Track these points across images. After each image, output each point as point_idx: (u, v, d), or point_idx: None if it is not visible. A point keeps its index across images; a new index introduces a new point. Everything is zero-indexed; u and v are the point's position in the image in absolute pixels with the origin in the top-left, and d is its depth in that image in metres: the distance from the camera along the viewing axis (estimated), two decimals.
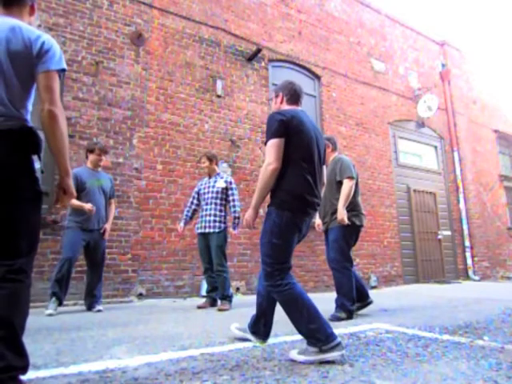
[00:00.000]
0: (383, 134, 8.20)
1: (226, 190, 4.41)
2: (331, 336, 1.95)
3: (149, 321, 3.39)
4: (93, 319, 3.47)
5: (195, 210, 4.60)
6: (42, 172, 1.62)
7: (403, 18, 9.47)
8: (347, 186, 3.48)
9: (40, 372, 1.80)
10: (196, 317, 3.67)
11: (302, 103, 2.44)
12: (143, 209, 5.16)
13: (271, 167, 2.10)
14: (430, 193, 8.70)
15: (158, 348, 2.30)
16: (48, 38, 1.62)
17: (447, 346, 2.32)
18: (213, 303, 4.35)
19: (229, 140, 6.07)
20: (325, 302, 3.55)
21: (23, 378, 1.47)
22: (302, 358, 1.98)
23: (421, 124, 8.99)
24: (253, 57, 6.50)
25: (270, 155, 2.13)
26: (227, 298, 4.21)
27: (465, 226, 9.06)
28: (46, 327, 3.00)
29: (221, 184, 4.42)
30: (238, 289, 5.56)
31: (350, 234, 3.60)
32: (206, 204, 4.40)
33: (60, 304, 3.80)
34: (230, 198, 4.40)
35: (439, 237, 8.51)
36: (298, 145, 2.17)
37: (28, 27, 1.60)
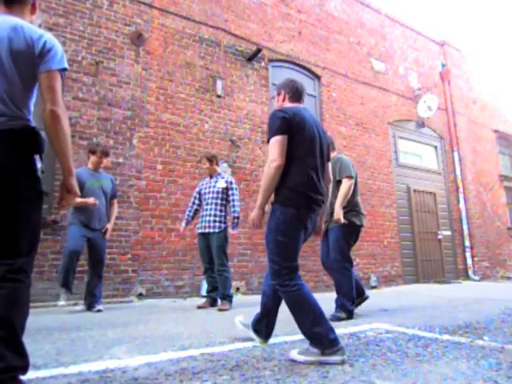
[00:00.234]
0: (383, 134, 8.20)
1: (226, 190, 4.42)
2: (335, 341, 1.95)
3: (149, 321, 3.39)
4: (93, 319, 3.47)
5: (197, 210, 4.61)
6: (43, 172, 1.61)
7: (403, 18, 9.48)
8: (346, 185, 3.48)
9: (40, 372, 1.80)
10: (196, 317, 3.67)
11: (304, 101, 2.44)
12: (143, 209, 5.16)
13: (275, 164, 2.09)
14: (430, 193, 8.70)
15: (158, 348, 2.30)
16: (50, 37, 1.61)
17: (447, 346, 2.32)
18: (213, 303, 4.36)
19: (229, 140, 6.07)
20: (325, 301, 3.54)
21: (23, 378, 1.46)
22: (302, 358, 1.98)
23: (421, 124, 8.99)
24: (253, 57, 6.50)
25: (273, 152, 2.11)
26: (227, 297, 4.21)
27: (465, 226, 9.06)
28: (46, 327, 3.00)
29: (221, 184, 4.43)
30: (238, 289, 5.56)
31: (350, 233, 3.60)
32: (207, 204, 4.41)
33: (71, 293, 3.98)
34: (230, 198, 4.40)
35: (439, 237, 8.51)
36: (301, 142, 2.16)
37: (30, 26, 1.60)
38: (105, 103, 5.14)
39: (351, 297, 3.44)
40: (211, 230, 4.30)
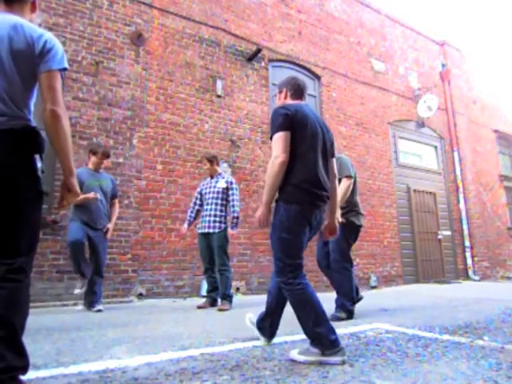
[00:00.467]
0: (383, 134, 8.20)
1: (226, 190, 4.42)
2: (335, 342, 1.95)
3: (149, 321, 3.39)
4: (93, 319, 3.47)
5: (198, 211, 4.61)
6: (43, 172, 1.61)
7: (403, 17, 9.48)
8: (345, 184, 3.47)
9: (40, 372, 1.80)
10: (196, 317, 3.67)
11: (306, 98, 2.44)
12: (143, 209, 5.16)
13: (279, 160, 2.07)
14: (430, 193, 8.70)
15: (158, 348, 2.30)
16: (50, 37, 1.60)
17: (447, 345, 2.32)
18: (213, 303, 4.36)
19: (229, 140, 6.07)
20: (325, 301, 3.54)
21: (23, 378, 1.46)
22: (302, 358, 1.98)
23: (421, 124, 8.99)
24: (253, 57, 6.50)
25: (276, 148, 2.10)
26: (228, 297, 4.21)
27: (465, 226, 9.06)
28: (46, 327, 3.00)
29: (222, 184, 4.43)
30: (238, 289, 5.56)
31: (350, 233, 3.60)
32: (207, 204, 4.42)
33: (86, 278, 4.01)
34: (230, 197, 4.40)
35: (439, 237, 8.51)
36: (303, 138, 2.15)
37: (30, 25, 1.59)
38: (105, 103, 5.14)
39: (351, 297, 3.44)
40: (211, 230, 4.30)
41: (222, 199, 4.41)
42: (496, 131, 10.99)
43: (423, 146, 9.11)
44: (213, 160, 4.53)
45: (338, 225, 2.48)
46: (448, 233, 8.78)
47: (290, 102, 2.35)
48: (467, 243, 8.96)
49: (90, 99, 5.05)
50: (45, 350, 2.26)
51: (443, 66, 9.98)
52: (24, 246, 1.52)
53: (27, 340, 1.54)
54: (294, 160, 2.12)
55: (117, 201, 4.46)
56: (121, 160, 5.11)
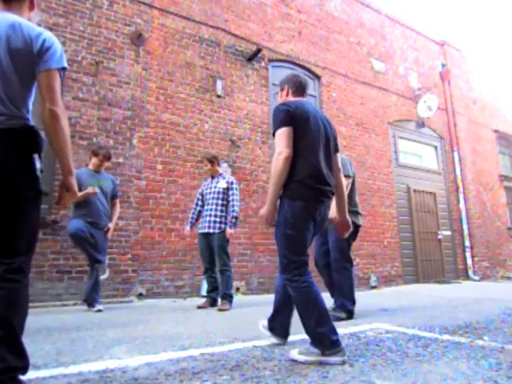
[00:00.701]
0: (383, 134, 8.20)
1: (227, 190, 4.42)
2: (336, 343, 1.94)
3: (149, 321, 3.39)
4: (93, 319, 3.47)
5: (200, 212, 4.60)
6: (42, 171, 1.61)
7: (403, 17, 9.48)
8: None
9: (40, 372, 1.80)
10: (196, 317, 3.67)
11: (307, 95, 2.43)
12: (143, 209, 5.16)
13: (283, 155, 2.06)
14: (430, 193, 8.70)
15: (158, 348, 2.30)
16: (49, 36, 1.59)
17: (447, 345, 2.32)
18: (213, 303, 4.35)
19: (229, 140, 6.07)
20: (325, 301, 3.54)
21: (23, 378, 1.46)
22: (302, 358, 1.98)
23: (421, 124, 8.99)
24: (253, 57, 6.50)
25: (279, 144, 2.10)
26: (228, 297, 4.21)
27: (465, 226, 9.06)
28: (46, 327, 3.00)
29: (222, 184, 4.44)
30: (238, 289, 5.56)
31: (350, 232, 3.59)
32: (208, 204, 4.42)
33: (101, 262, 4.11)
34: (230, 197, 4.40)
35: (439, 237, 8.51)
36: (305, 134, 2.15)
37: (28, 24, 1.58)
38: (105, 103, 5.14)
39: (351, 297, 3.44)
40: (211, 231, 4.31)
41: (223, 199, 4.41)
42: (496, 131, 10.99)
43: (423, 145, 9.11)
44: (214, 160, 4.53)
45: (350, 219, 2.45)
46: (448, 233, 8.78)
47: (291, 98, 2.35)
48: (467, 243, 8.96)
49: (90, 99, 5.05)
50: (45, 350, 2.26)
51: (443, 65, 9.98)
52: (23, 245, 1.51)
53: (27, 340, 1.54)
54: (296, 156, 2.11)
55: (118, 201, 4.46)
56: (121, 160, 5.11)
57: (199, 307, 4.25)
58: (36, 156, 1.57)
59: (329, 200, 2.23)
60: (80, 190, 3.96)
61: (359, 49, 8.23)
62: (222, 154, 5.84)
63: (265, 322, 2.48)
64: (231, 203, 4.39)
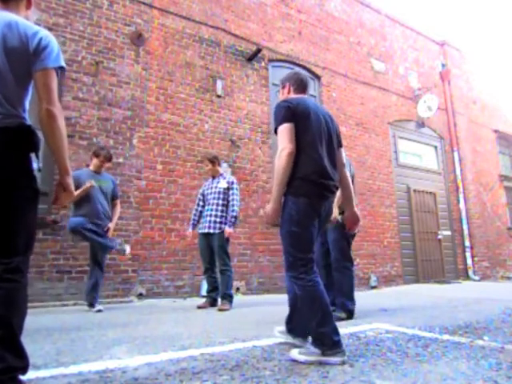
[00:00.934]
0: (383, 134, 8.20)
1: (227, 190, 4.43)
2: (338, 343, 1.94)
3: (149, 321, 3.39)
4: (93, 319, 3.47)
5: (201, 212, 4.60)
6: (39, 170, 1.60)
7: (403, 17, 9.48)
8: None
9: (40, 372, 1.80)
10: (196, 317, 3.67)
11: (308, 92, 2.43)
12: (143, 209, 5.16)
13: (286, 152, 2.05)
14: (430, 193, 8.70)
15: (158, 348, 2.30)
16: (46, 34, 1.58)
17: (447, 345, 2.32)
18: (213, 303, 4.35)
19: (229, 140, 6.06)
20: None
21: (23, 378, 1.46)
22: (302, 358, 1.97)
23: (421, 124, 8.99)
24: (253, 57, 6.50)
25: (282, 140, 2.09)
26: (228, 297, 4.21)
27: (465, 226, 9.06)
28: (46, 327, 3.00)
29: (223, 184, 4.44)
30: (238, 289, 5.56)
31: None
32: (208, 204, 4.43)
33: (116, 246, 4.28)
34: (230, 197, 4.41)
35: (439, 237, 8.51)
36: (306, 130, 2.14)
37: (25, 22, 1.56)
38: (105, 103, 5.14)
39: (351, 296, 3.44)
40: (211, 231, 4.31)
41: (223, 199, 4.41)
42: (496, 131, 10.99)
43: (423, 145, 9.11)
44: (214, 161, 4.54)
45: (359, 213, 2.42)
46: (448, 233, 8.77)
47: (293, 96, 2.35)
48: (467, 243, 8.96)
49: (90, 99, 5.05)
50: (45, 350, 2.26)
51: (443, 66, 9.98)
52: (21, 245, 1.51)
53: (27, 340, 1.54)
54: (298, 153, 2.10)
55: (118, 202, 4.46)
56: (121, 160, 5.11)
57: (199, 307, 4.25)
58: (33, 155, 1.56)
59: (333, 195, 2.22)
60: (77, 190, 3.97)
61: (359, 49, 8.23)
62: (222, 153, 5.84)
63: (280, 328, 2.44)
64: (231, 203, 4.39)
